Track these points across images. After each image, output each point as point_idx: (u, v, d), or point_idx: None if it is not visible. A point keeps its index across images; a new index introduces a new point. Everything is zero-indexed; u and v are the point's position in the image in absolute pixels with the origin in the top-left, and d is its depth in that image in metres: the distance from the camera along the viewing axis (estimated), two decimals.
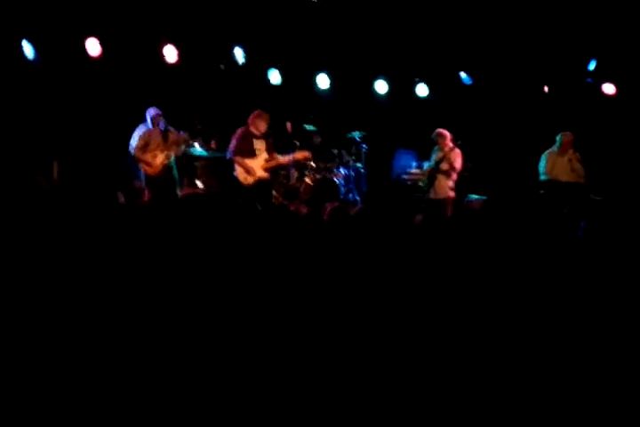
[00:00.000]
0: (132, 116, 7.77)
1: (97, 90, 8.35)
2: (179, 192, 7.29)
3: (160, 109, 7.48)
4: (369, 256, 5.56)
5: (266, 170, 7.60)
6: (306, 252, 5.08)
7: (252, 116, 7.65)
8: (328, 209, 5.54)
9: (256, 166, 7.54)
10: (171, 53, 8.67)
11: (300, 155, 7.90)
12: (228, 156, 7.56)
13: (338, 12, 9.10)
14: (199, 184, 7.91)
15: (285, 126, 8.83)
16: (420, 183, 8.00)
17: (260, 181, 7.54)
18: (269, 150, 7.67)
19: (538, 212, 7.56)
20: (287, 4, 8.85)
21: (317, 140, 9.09)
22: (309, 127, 8.82)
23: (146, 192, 7.18)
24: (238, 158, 7.49)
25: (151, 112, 7.42)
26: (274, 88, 9.51)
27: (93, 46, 8.16)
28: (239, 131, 7.62)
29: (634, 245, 7.05)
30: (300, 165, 8.21)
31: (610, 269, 5.76)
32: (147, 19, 8.35)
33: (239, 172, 7.52)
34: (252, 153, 7.52)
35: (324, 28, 9.23)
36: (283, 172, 8.01)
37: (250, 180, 7.50)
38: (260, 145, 7.62)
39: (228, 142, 7.66)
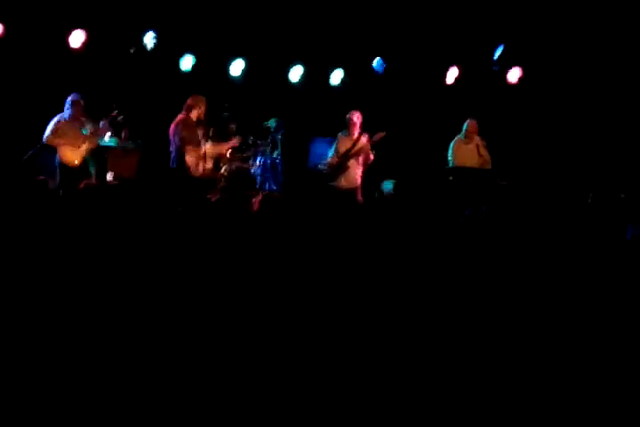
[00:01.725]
0: (39, 105, 7.51)
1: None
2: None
3: (80, 97, 7.24)
4: (298, 245, 5.68)
5: (211, 158, 7.39)
6: (237, 242, 5.17)
7: (190, 102, 7.29)
8: (256, 200, 5.54)
9: (203, 156, 7.25)
10: (77, 39, 8.43)
11: (235, 142, 7.73)
12: (176, 145, 7.16)
13: None
14: (109, 176, 7.67)
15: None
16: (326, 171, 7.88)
17: (208, 172, 7.32)
18: (207, 138, 7.44)
19: (446, 198, 7.83)
20: None
21: (232, 128, 9.02)
22: (224, 115, 8.74)
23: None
24: (189, 148, 7.12)
25: (70, 98, 7.21)
26: (185, 74, 9.37)
27: None
28: (180, 118, 7.22)
29: (534, 224, 7.48)
30: (242, 159, 8.05)
31: (512, 249, 6.11)
32: (54, 3, 8.08)
33: (191, 162, 7.16)
34: (197, 142, 7.21)
35: (239, 13, 9.15)
36: (221, 164, 7.82)
37: (200, 170, 7.18)
38: (199, 133, 7.32)
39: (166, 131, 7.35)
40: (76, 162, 7.05)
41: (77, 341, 3.51)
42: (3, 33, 7.89)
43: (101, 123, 7.21)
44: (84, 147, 7.09)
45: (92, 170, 7.22)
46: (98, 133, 7.21)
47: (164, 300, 4.01)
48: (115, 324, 3.65)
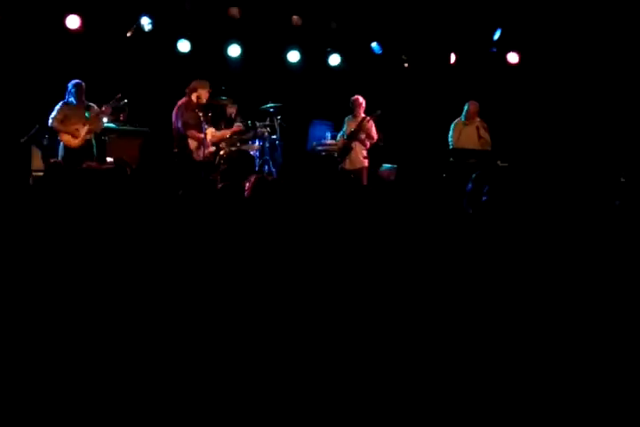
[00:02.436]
0: (37, 89, 7.51)
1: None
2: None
3: (81, 83, 7.28)
4: (296, 230, 5.64)
5: (212, 143, 7.37)
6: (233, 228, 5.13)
7: (193, 86, 7.32)
8: (249, 184, 5.54)
9: (206, 140, 7.28)
10: (73, 21, 8.40)
11: (236, 128, 7.73)
12: (178, 129, 7.24)
13: None
14: (109, 159, 7.70)
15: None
16: (335, 154, 8.05)
17: (211, 155, 7.32)
18: (208, 123, 7.42)
19: (447, 179, 7.83)
20: None
21: (231, 111, 8.99)
22: (222, 98, 8.70)
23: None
24: (192, 132, 7.18)
25: (72, 84, 7.25)
26: (183, 57, 9.32)
27: None
28: (181, 102, 7.27)
29: (534, 207, 7.44)
30: (241, 141, 8.00)
31: (513, 234, 6.08)
32: None
33: (193, 146, 7.22)
34: (199, 126, 7.23)
35: None
36: (221, 146, 7.65)
37: (202, 154, 7.23)
38: (204, 117, 7.36)
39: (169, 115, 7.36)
40: (78, 143, 7.09)
41: (72, 334, 3.51)
42: None
43: (104, 106, 7.24)
44: (86, 129, 7.11)
45: (95, 152, 7.26)
46: (101, 116, 7.25)
47: (160, 292, 4.00)
48: (111, 314, 3.63)
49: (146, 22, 8.85)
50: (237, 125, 7.81)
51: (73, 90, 7.21)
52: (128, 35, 8.77)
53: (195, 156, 7.22)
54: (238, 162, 7.63)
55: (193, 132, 7.20)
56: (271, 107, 8.70)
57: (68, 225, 4.91)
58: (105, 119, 7.89)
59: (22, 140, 7.44)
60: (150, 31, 8.85)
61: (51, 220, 4.93)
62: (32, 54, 8.23)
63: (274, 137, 8.97)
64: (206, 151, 7.30)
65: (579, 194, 8.17)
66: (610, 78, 9.18)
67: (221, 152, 7.63)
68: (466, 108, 8.08)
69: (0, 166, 7.80)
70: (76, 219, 5.11)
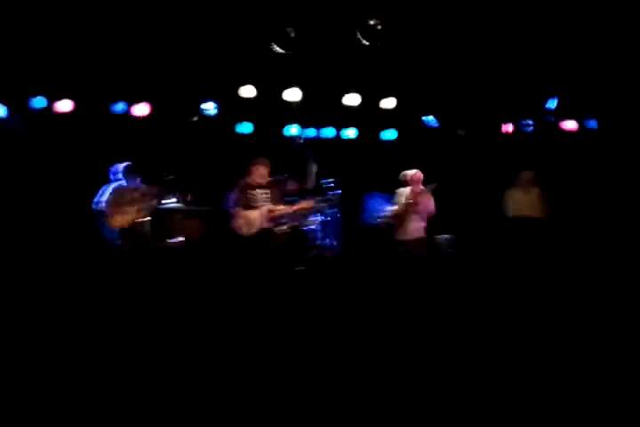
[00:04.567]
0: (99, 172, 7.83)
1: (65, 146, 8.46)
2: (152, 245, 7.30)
3: (129, 164, 7.45)
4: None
5: (269, 220, 7.51)
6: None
7: (251, 166, 7.60)
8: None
9: (257, 217, 7.45)
10: (141, 110, 8.84)
11: (305, 204, 7.87)
12: (230, 208, 7.48)
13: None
14: (176, 239, 7.91)
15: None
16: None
17: (262, 232, 7.43)
18: (274, 200, 7.59)
19: (505, 248, 7.77)
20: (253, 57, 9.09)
21: (293, 187, 9.23)
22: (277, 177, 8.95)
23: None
24: (238, 210, 7.43)
25: (121, 167, 7.42)
26: (244, 138, 9.71)
27: (65, 104, 8.36)
28: (240, 182, 7.55)
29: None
30: (301, 216, 8.09)
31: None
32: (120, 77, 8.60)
33: (239, 223, 7.44)
34: (251, 204, 7.46)
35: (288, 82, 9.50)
36: (284, 220, 7.78)
37: (250, 231, 7.40)
38: (263, 194, 7.54)
39: (225, 194, 7.58)
40: (125, 224, 7.16)
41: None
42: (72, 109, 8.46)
43: (149, 186, 7.38)
44: (135, 209, 7.21)
45: (148, 232, 7.32)
46: (149, 196, 7.34)
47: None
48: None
49: (210, 107, 9.31)
50: (305, 202, 7.88)
51: (123, 172, 7.37)
52: (194, 119, 9.22)
53: (242, 232, 7.36)
54: (296, 236, 7.75)
55: (237, 210, 7.40)
56: (327, 182, 8.90)
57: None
58: (173, 200, 8.12)
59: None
60: (215, 116, 9.28)
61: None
62: (100, 141, 8.69)
63: (334, 210, 9.13)
64: (254, 229, 7.41)
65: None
66: None
67: (284, 226, 7.71)
68: (520, 176, 8.10)
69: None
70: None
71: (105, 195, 7.33)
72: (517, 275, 7.48)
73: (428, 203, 7.84)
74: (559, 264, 7.64)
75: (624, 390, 3.45)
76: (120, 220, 7.21)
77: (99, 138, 8.57)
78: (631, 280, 6.94)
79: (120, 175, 7.48)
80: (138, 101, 8.86)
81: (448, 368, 3.89)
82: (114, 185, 7.43)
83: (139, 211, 7.23)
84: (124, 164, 7.53)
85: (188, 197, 7.57)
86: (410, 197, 7.72)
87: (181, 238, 7.90)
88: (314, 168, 7.89)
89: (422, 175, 7.88)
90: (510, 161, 9.12)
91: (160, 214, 7.69)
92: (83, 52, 8.00)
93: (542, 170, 8.40)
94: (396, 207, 7.79)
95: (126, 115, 8.84)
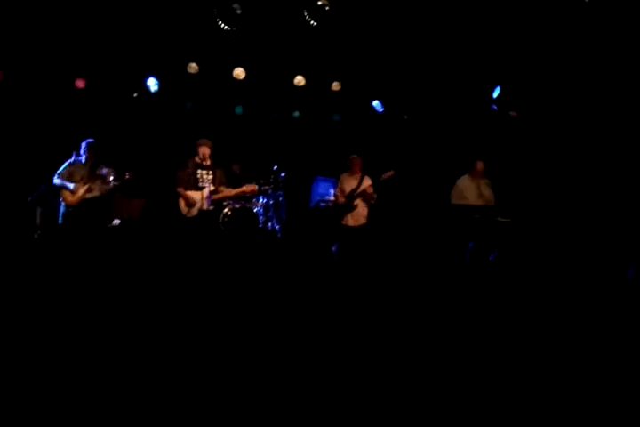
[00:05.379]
0: (43, 146, 7.62)
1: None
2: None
3: (95, 142, 7.33)
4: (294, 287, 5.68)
5: (211, 202, 7.44)
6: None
7: (196, 146, 7.51)
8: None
9: (199, 198, 7.39)
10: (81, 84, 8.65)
11: (247, 188, 7.79)
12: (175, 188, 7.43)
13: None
14: (115, 220, 7.75)
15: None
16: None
17: (202, 213, 7.38)
18: (217, 182, 7.54)
19: (450, 235, 7.84)
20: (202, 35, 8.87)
21: (236, 168, 9.10)
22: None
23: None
24: (180, 190, 7.37)
25: (85, 144, 7.32)
26: (189, 116, 9.51)
27: None
28: (188, 162, 7.49)
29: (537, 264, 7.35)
30: (245, 198, 8.03)
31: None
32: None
33: (181, 204, 7.38)
34: (195, 184, 7.41)
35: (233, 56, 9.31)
36: (225, 203, 7.72)
37: (192, 212, 7.35)
38: (206, 176, 7.48)
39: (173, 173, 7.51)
40: (74, 201, 7.10)
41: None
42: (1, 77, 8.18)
43: (104, 170, 7.27)
44: (85, 187, 7.15)
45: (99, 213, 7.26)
46: (106, 180, 7.27)
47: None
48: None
49: (152, 83, 9.06)
50: (248, 186, 7.85)
51: (85, 149, 7.31)
52: (134, 95, 8.97)
53: (184, 213, 7.34)
54: (241, 219, 7.66)
55: (180, 190, 7.36)
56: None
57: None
58: (111, 178, 7.90)
59: (30, 200, 7.50)
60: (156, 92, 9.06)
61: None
62: (41, 112, 8.41)
63: (277, 193, 9.05)
64: (202, 208, 7.37)
65: (581, 249, 8.16)
66: (613, 131, 9.25)
67: (225, 209, 7.68)
68: (473, 166, 8.15)
69: (7, 224, 7.87)
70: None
71: (60, 168, 7.22)
72: (456, 262, 7.58)
73: (370, 190, 7.84)
74: (499, 253, 7.75)
75: (624, 390, 3.48)
76: (69, 196, 7.10)
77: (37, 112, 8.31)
78: (570, 270, 7.09)
79: (81, 151, 7.32)
80: (78, 76, 8.60)
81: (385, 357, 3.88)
82: (70, 160, 7.30)
83: (89, 190, 7.10)
84: (87, 140, 7.34)
85: (127, 176, 7.33)
86: (354, 186, 7.73)
87: (118, 221, 7.74)
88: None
89: (361, 160, 7.85)
90: (455, 148, 9.18)
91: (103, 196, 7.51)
92: (24, 26, 7.76)
93: (490, 158, 8.47)
94: (339, 196, 7.80)
95: (68, 88, 8.56)
